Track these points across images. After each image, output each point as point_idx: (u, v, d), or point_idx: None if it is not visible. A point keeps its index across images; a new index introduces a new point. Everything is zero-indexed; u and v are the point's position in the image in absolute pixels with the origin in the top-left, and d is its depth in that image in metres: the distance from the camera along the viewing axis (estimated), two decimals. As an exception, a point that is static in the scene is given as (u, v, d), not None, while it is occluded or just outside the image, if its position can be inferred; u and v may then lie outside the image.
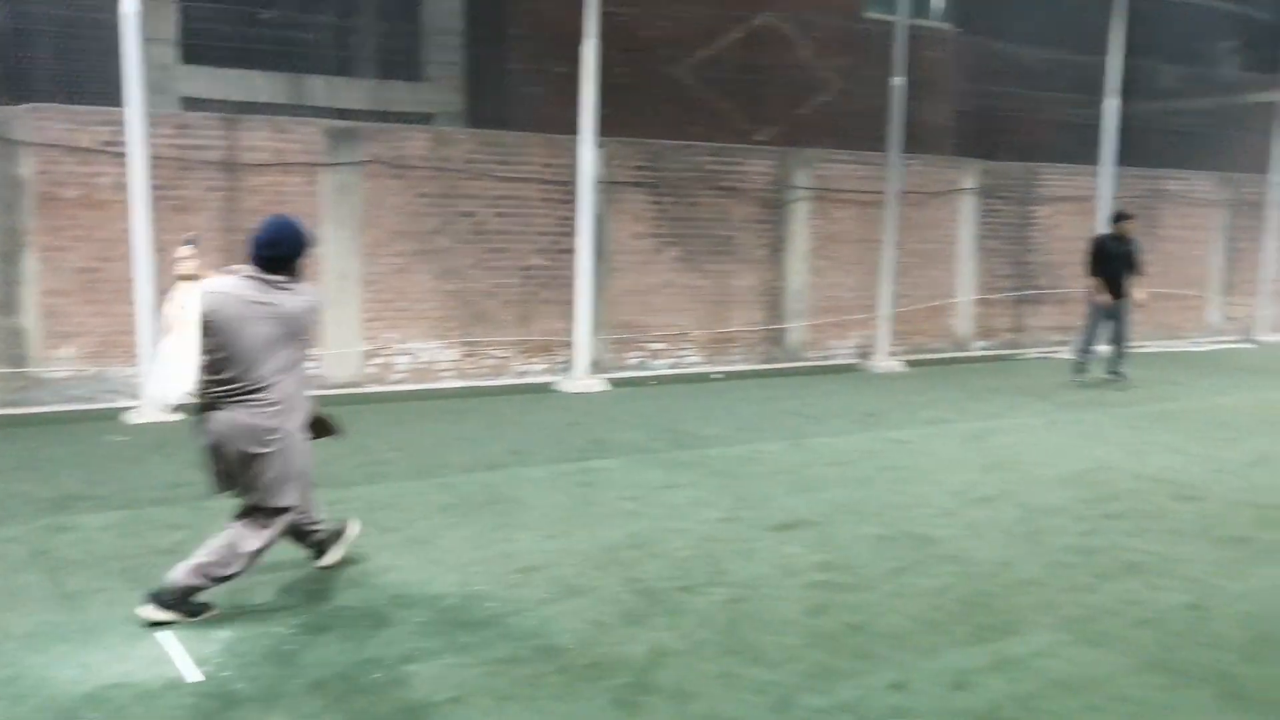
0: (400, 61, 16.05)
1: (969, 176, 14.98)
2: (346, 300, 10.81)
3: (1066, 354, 15.03)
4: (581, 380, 11.38)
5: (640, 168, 12.46)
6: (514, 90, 15.05)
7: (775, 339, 13.57)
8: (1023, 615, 4.88)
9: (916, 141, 14.37)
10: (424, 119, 14.97)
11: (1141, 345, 16.18)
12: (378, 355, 11.07)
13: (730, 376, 12.50)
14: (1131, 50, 15.51)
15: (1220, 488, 7.38)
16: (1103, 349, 12.41)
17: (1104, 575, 5.46)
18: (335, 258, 10.68)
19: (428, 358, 11.34)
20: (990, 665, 4.29)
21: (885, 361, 13.44)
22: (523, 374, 11.72)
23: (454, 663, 4.25)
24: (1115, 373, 12.25)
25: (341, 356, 10.78)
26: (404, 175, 11.06)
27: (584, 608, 4.86)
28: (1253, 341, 17.41)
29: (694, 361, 12.93)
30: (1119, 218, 12.62)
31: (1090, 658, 4.40)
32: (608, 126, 11.46)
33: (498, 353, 11.70)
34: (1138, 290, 12.30)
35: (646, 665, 4.24)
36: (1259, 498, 7.12)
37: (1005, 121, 15.51)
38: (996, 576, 5.41)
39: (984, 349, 15.22)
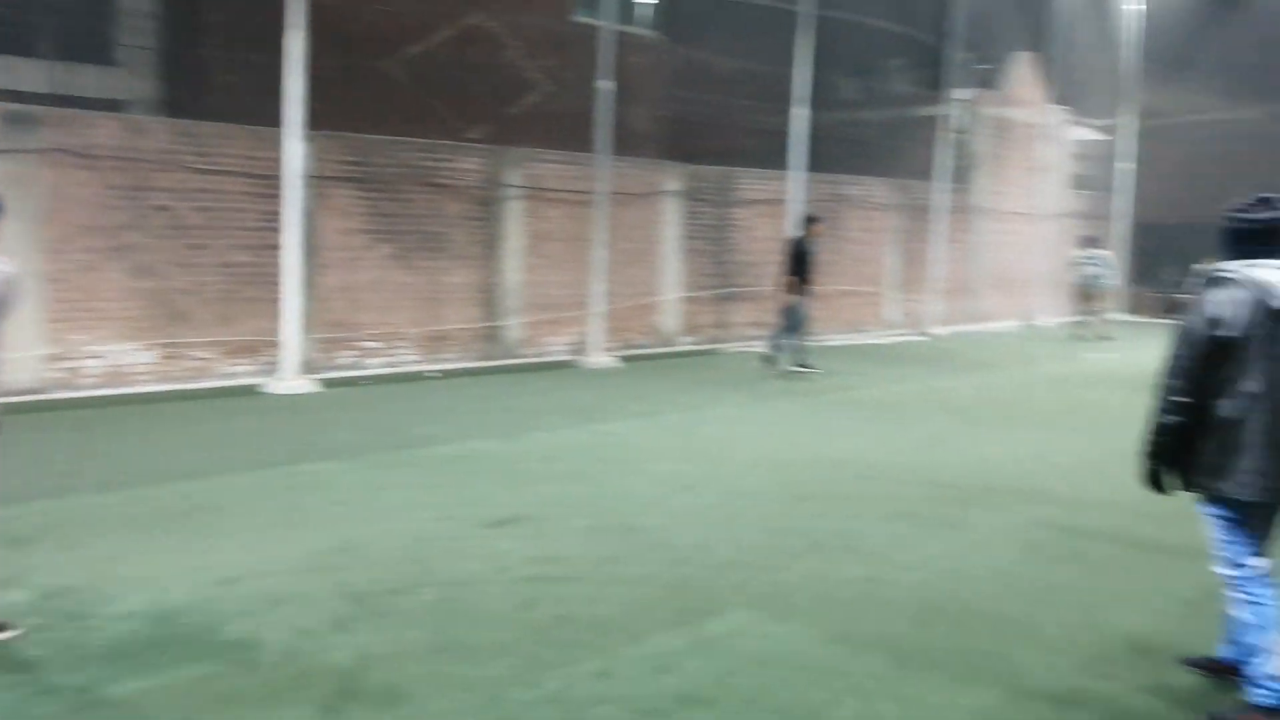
0: (88, 43, 14.82)
1: (673, 179, 15.61)
2: (25, 300, 9.90)
3: (762, 348, 15.99)
4: (290, 381, 10.97)
5: (350, 162, 12.16)
6: (214, 79, 14.26)
7: (491, 336, 13.62)
8: (721, 596, 5.18)
9: (623, 144, 14.81)
10: (114, 106, 13.92)
11: (827, 339, 17.45)
12: (65, 359, 10.22)
13: (446, 375, 12.44)
14: (816, 64, 16.68)
15: (895, 468, 8.11)
16: (797, 343, 13.28)
17: (793, 554, 5.88)
18: (11, 254, 9.75)
19: (121, 360, 10.58)
20: (691, 646, 4.54)
21: (598, 357, 13.80)
22: (228, 376, 11.16)
23: (141, 686, 4.02)
24: (804, 365, 13.14)
25: (21, 360, 9.87)
26: (92, 165, 10.25)
27: (289, 617, 4.73)
28: (925, 334, 19.16)
29: (409, 360, 12.76)
30: (810, 220, 13.54)
31: (781, 633, 4.74)
32: (315, 120, 11.10)
33: (200, 354, 11.07)
34: (815, 289, 13.24)
35: (354, 671, 4.19)
36: (929, 475, 7.87)
37: (705, 127, 16.29)
38: (698, 560, 5.71)
39: (690, 344, 15.92)
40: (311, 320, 11.60)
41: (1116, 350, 16.92)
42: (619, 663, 4.35)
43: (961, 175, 20.90)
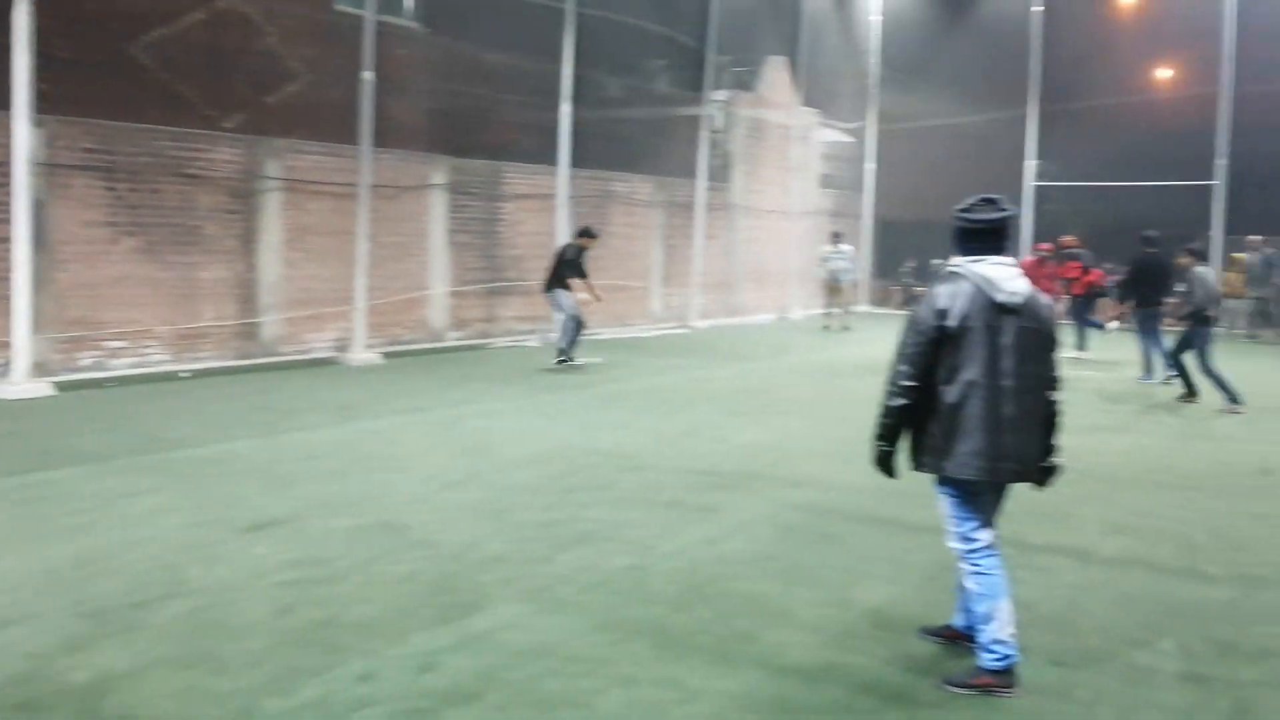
0: None
1: (440, 172, 15.42)
2: None
3: (532, 342, 16.04)
4: (22, 385, 10.16)
5: (92, 150, 11.36)
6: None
7: (249, 334, 13.05)
8: (487, 591, 5.18)
9: (388, 136, 14.50)
10: None
11: (596, 333, 17.69)
12: None
13: (200, 374, 11.84)
14: (581, 61, 16.85)
15: (659, 458, 8.33)
16: (573, 339, 13.30)
17: (560, 546, 5.95)
18: None
19: None
20: (456, 644, 4.51)
21: (363, 354, 13.46)
22: (-57, 380, 10.21)
23: None
24: (568, 359, 13.24)
25: None
26: None
27: (18, 640, 4.39)
28: (688, 327, 19.74)
29: (160, 360, 12.06)
30: (583, 234, 13.51)
31: (547, 625, 4.79)
32: (50, 103, 10.31)
33: (-91, 357, 10.09)
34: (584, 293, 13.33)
35: (92, 694, 3.94)
36: (690, 464, 8.13)
37: (473, 121, 16.16)
38: (464, 557, 5.69)
39: (458, 339, 15.78)
40: (46, 319, 10.77)
41: (861, 341, 17.95)
42: (382, 664, 4.28)
43: (720, 174, 21.65)
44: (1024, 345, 4.18)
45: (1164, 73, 25.44)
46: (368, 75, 13.14)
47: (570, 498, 7.02)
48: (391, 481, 7.28)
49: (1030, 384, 4.21)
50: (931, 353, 4.20)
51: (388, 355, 13.85)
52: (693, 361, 14.89)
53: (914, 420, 4.30)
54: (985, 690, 4.18)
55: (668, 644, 4.61)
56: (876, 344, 17.36)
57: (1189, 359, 11.79)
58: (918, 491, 7.42)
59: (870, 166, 25.92)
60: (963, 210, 4.37)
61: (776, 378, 13.57)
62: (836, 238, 20.99)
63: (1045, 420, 4.33)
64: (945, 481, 4.35)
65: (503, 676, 4.21)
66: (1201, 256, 13.23)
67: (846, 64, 25.77)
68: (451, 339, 15.70)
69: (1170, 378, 13.16)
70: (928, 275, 25.82)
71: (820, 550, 6.06)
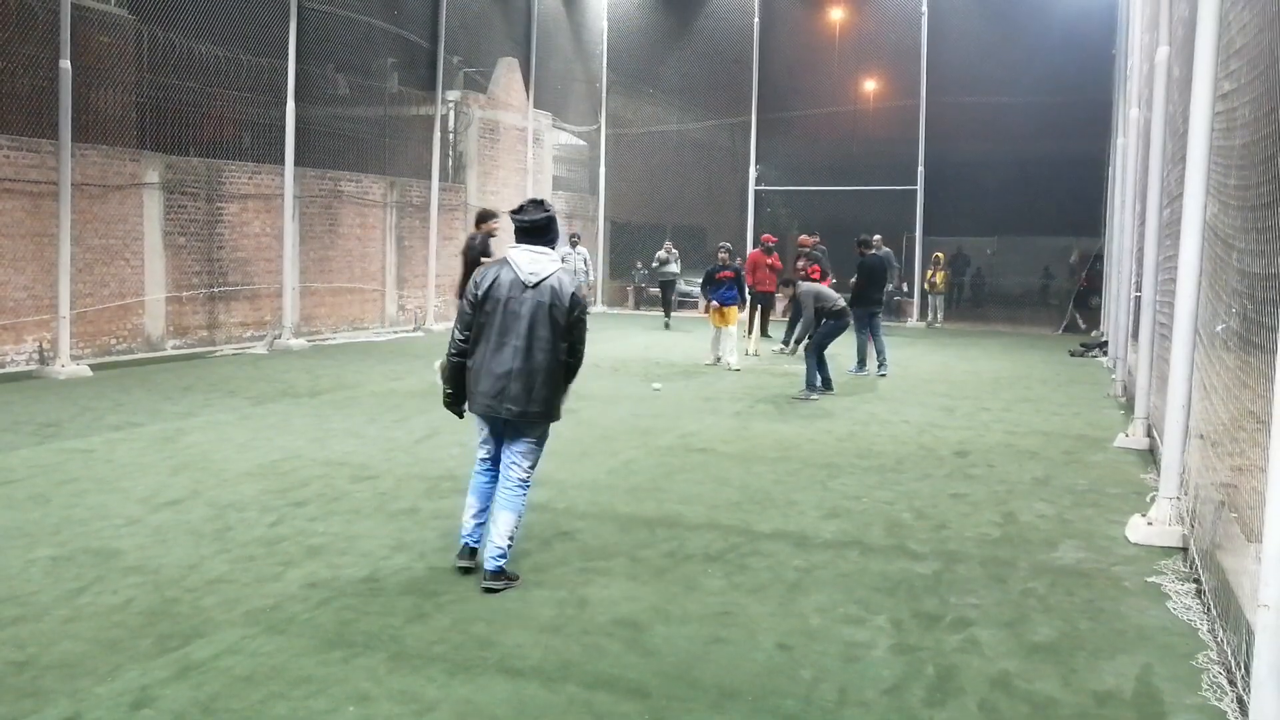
0: None
1: (153, 170, 14.45)
2: None
3: (260, 349, 15.34)
4: None
5: None
6: None
7: (-73, 347, 11.76)
8: (210, 616, 4.90)
9: (92, 130, 13.48)
10: None
11: (329, 337, 17.15)
12: None
13: None
14: (307, 56, 16.26)
15: (393, 465, 8.15)
16: None
17: (289, 562, 5.71)
18: None
19: None
20: (174, 675, 4.24)
21: (69, 366, 12.40)
22: None
23: None
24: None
25: None
26: None
27: None
28: (424, 330, 19.44)
29: None
30: (481, 218, 12.30)
31: (274, 646, 4.57)
32: None
33: None
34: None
35: None
36: (426, 470, 8.00)
37: (188, 116, 15.23)
38: (183, 581, 5.36)
39: (178, 348, 14.85)
40: None
41: (597, 340, 18.24)
42: (89, 705, 3.96)
43: (455, 174, 21.45)
44: (535, 315, 5.26)
45: (870, 84, 27.34)
46: (65, 64, 12.12)
47: (298, 511, 6.75)
48: (102, 504, 6.76)
49: (542, 345, 5.28)
50: (473, 315, 5.34)
51: (98, 367, 12.85)
52: (428, 364, 14.61)
53: (463, 371, 5.43)
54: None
55: (403, 656, 4.52)
56: (614, 342, 17.71)
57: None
58: (653, 488, 7.64)
59: (602, 169, 26.40)
60: (517, 212, 5.43)
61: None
62: (574, 239, 21.23)
63: (556, 373, 5.37)
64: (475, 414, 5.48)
65: (226, 705, 3.99)
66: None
67: (578, 67, 26.14)
68: (171, 348, 14.76)
69: (881, 370, 14.23)
70: (656, 276, 26.62)
71: (558, 549, 6.11)
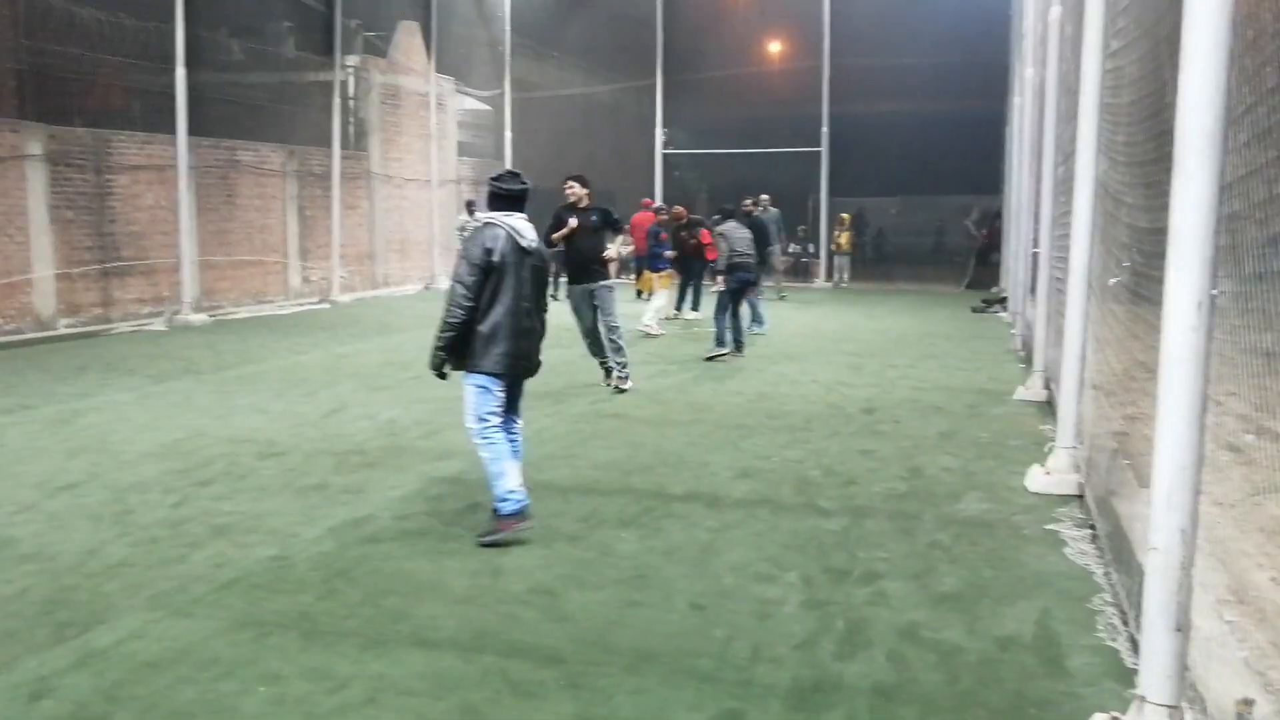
0: None
1: (34, 141, 13.86)
2: None
3: (158, 325, 14.91)
4: None
5: None
6: None
7: None
8: (111, 602, 4.76)
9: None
10: None
11: (231, 311, 16.74)
12: None
13: None
14: (196, 21, 15.70)
15: (301, 440, 8.00)
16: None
17: (194, 543, 5.57)
18: None
19: None
20: (75, 663, 4.12)
21: (-49, 348, 11.90)
22: None
23: None
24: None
25: None
26: None
27: None
28: (330, 302, 19.08)
29: None
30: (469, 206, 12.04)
31: (180, 630, 4.46)
32: None
33: None
34: None
35: None
36: (335, 445, 7.87)
37: (70, 84, 14.62)
38: (83, 567, 5.20)
39: (71, 326, 14.34)
40: None
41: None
42: (-15, 698, 3.83)
43: (356, 142, 21.00)
44: (535, 278, 5.72)
45: (775, 47, 27.43)
46: (-65, 31, 11.53)
47: (202, 491, 6.59)
48: (-9, 490, 6.51)
49: (541, 304, 5.83)
50: (483, 280, 5.55)
51: (-17, 348, 12.36)
52: (335, 337, 14.40)
53: (465, 333, 5.58)
54: (513, 531, 5.58)
55: (315, 633, 4.45)
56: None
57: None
58: (567, 454, 7.64)
59: (508, 134, 26.08)
60: (496, 180, 5.83)
61: (423, 350, 13.38)
62: (470, 206, 20.92)
63: (541, 333, 5.87)
64: (476, 374, 5.60)
65: (130, 692, 3.89)
66: (730, 215, 14.06)
67: (480, 31, 25.72)
68: (63, 326, 14.23)
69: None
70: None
71: (471, 519, 6.06)
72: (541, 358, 5.89)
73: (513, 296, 5.58)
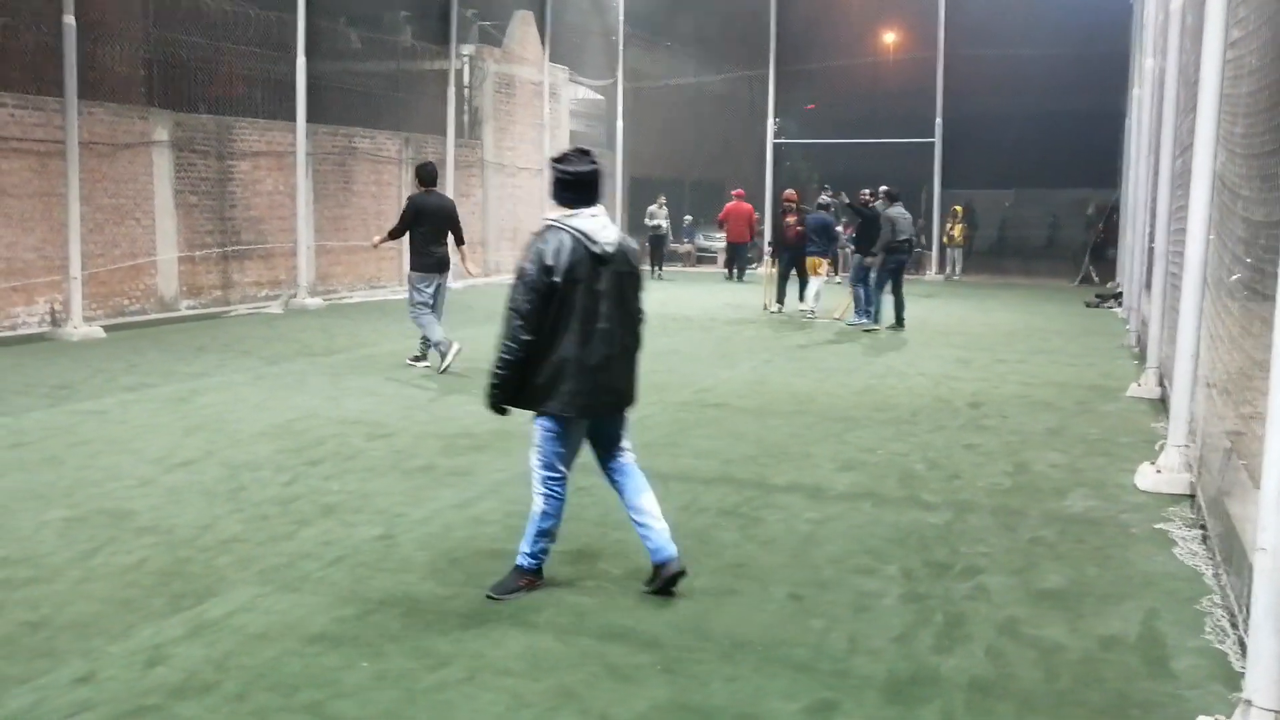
0: None
1: (162, 128, 14.38)
2: None
3: (275, 309, 15.35)
4: None
5: None
6: None
7: (-57, 309, 11.81)
8: (223, 575, 4.90)
9: (99, 88, 13.40)
10: None
11: (346, 295, 17.15)
12: None
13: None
14: (317, 10, 16.09)
15: (410, 423, 8.14)
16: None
17: (303, 521, 5.71)
18: None
19: None
20: (187, 634, 4.24)
21: (81, 328, 12.44)
22: None
23: None
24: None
25: None
26: None
27: None
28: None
29: None
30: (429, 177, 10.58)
31: (286, 604, 4.57)
32: None
33: None
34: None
35: None
36: (443, 428, 7.98)
37: (197, 73, 15.13)
38: (197, 540, 5.36)
39: (192, 308, 14.87)
40: None
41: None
42: (103, 663, 3.97)
43: (471, 130, 21.29)
44: (619, 290, 4.54)
45: (889, 37, 26.94)
46: (69, 20, 12.02)
47: (313, 470, 6.75)
48: (115, 465, 6.77)
49: (628, 324, 4.63)
50: (543, 306, 4.41)
51: (111, 328, 12.88)
52: (444, 323, 14.58)
53: (527, 366, 4.51)
54: (529, 589, 4.67)
55: (417, 611, 4.51)
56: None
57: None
58: (668, 443, 7.61)
59: (620, 124, 26.15)
60: (559, 162, 4.56)
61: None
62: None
63: (633, 354, 4.72)
64: (544, 416, 4.60)
65: (240, 662, 4.00)
66: (895, 199, 14.17)
67: (594, 20, 25.82)
68: (184, 308, 14.77)
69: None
70: (681, 231, 26.50)
71: (573, 504, 6.06)
72: (636, 378, 4.76)
73: (582, 321, 4.43)
